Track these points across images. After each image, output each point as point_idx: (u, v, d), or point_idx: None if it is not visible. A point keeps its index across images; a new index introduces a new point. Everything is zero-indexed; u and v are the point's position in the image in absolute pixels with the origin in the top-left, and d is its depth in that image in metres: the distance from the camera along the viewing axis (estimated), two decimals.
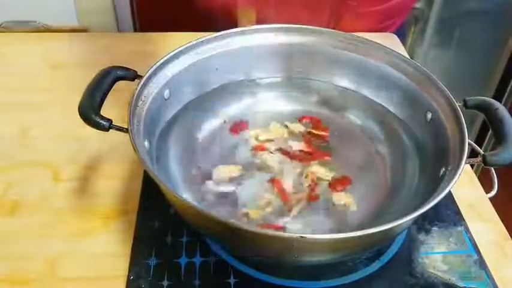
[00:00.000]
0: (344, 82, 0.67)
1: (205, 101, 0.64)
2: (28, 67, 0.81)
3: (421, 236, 0.57)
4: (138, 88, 0.54)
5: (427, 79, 0.59)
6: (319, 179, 0.59)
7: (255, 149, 0.62)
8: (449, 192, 0.47)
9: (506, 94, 1.41)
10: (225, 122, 0.65)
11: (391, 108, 0.64)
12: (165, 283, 0.51)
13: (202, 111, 0.64)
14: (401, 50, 0.88)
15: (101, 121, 0.50)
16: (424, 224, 0.58)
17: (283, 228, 0.53)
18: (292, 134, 0.65)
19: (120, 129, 0.50)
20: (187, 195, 0.55)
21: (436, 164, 0.53)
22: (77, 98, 0.51)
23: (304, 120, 0.66)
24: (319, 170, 0.59)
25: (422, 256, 0.55)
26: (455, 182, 0.47)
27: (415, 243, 0.56)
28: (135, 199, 0.59)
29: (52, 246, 0.54)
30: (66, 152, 0.65)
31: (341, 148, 0.63)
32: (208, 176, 0.58)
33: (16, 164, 0.64)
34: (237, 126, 0.64)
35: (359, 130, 0.65)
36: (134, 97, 0.53)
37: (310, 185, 0.58)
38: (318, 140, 0.64)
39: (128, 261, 0.52)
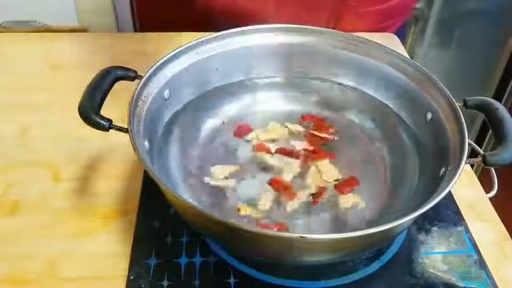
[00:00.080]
0: (344, 82, 0.67)
1: (205, 101, 0.64)
2: (28, 67, 0.81)
3: (421, 236, 0.57)
4: (138, 88, 0.54)
5: (427, 79, 0.59)
6: (324, 180, 0.59)
7: (256, 149, 0.62)
8: (449, 192, 0.47)
9: (506, 94, 1.41)
10: (223, 123, 0.64)
11: (390, 108, 0.64)
12: (165, 283, 0.51)
13: (202, 111, 0.64)
14: (401, 50, 0.88)
15: (101, 121, 0.50)
16: (424, 224, 0.58)
17: (285, 229, 0.53)
18: (293, 134, 0.64)
19: (120, 129, 0.50)
20: (187, 195, 0.55)
21: (436, 164, 0.54)
22: (77, 98, 0.51)
23: (305, 121, 0.66)
24: (325, 171, 0.59)
25: (422, 256, 0.55)
26: (455, 182, 0.47)
27: (415, 243, 0.56)
28: (135, 199, 0.59)
29: (52, 246, 0.54)
30: (66, 152, 0.65)
31: (341, 148, 0.63)
32: (209, 176, 0.58)
33: (16, 164, 0.64)
34: (239, 129, 0.64)
35: (359, 130, 0.65)
36: (134, 97, 0.53)
37: (317, 186, 0.58)
38: (320, 140, 0.64)
39: (127, 261, 0.52)
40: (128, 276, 0.51)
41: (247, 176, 0.59)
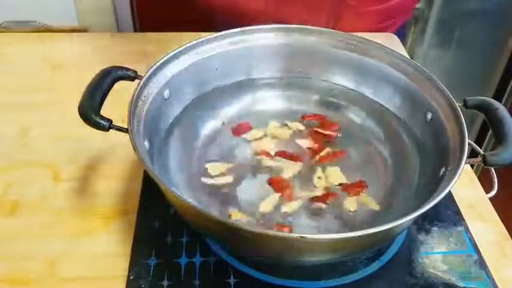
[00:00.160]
0: (344, 82, 0.67)
1: (205, 101, 0.64)
2: (28, 67, 0.81)
3: (421, 236, 0.57)
4: (138, 88, 0.54)
5: (427, 79, 0.59)
6: (330, 183, 0.59)
7: (256, 148, 0.62)
8: (449, 192, 0.47)
9: (506, 94, 1.41)
10: (223, 123, 0.64)
11: (391, 108, 0.64)
12: (165, 283, 0.51)
13: (202, 111, 0.64)
14: (402, 50, 0.88)
15: (101, 121, 0.50)
16: (424, 224, 0.58)
17: (288, 229, 0.53)
18: (294, 132, 0.64)
19: (120, 129, 0.50)
20: (187, 195, 0.55)
21: (436, 164, 0.53)
22: (77, 98, 0.51)
23: (305, 120, 0.66)
24: (331, 174, 0.59)
25: (422, 256, 0.55)
26: (455, 182, 0.47)
27: (415, 243, 0.56)
28: (135, 199, 0.59)
29: (52, 246, 0.54)
30: (66, 152, 0.65)
31: (341, 148, 0.63)
32: (209, 176, 0.58)
33: (16, 164, 0.64)
34: (239, 128, 0.64)
35: (359, 130, 0.65)
36: (134, 97, 0.53)
37: (323, 188, 0.58)
38: (323, 137, 0.64)
39: (127, 261, 0.52)
40: (128, 276, 0.51)
41: (246, 176, 0.59)
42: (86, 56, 0.83)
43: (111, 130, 0.50)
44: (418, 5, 1.34)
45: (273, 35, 0.65)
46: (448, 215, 0.60)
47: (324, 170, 0.60)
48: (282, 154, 0.61)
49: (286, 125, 0.65)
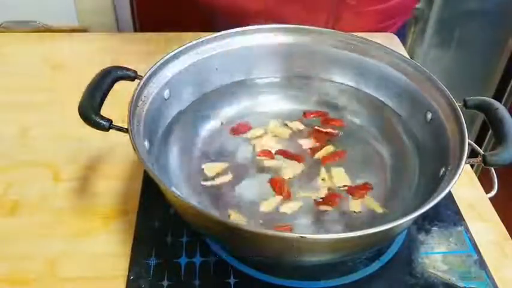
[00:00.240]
0: (344, 82, 0.67)
1: (205, 101, 0.64)
2: (28, 67, 0.81)
3: (421, 236, 0.57)
4: (138, 88, 0.54)
5: (427, 79, 0.59)
6: (334, 183, 0.58)
7: (257, 148, 0.62)
8: (449, 192, 0.47)
9: (506, 94, 1.41)
10: (222, 124, 0.64)
11: (390, 108, 0.64)
12: (165, 283, 0.51)
13: (203, 111, 0.64)
14: (402, 50, 0.88)
15: (101, 121, 0.50)
16: (424, 224, 0.58)
17: (289, 229, 0.53)
18: (294, 132, 0.64)
19: (120, 129, 0.50)
20: (187, 195, 0.55)
21: (436, 164, 0.53)
22: (77, 98, 0.51)
23: (307, 118, 0.66)
24: (336, 175, 0.59)
25: (422, 256, 0.55)
26: (455, 182, 0.47)
27: (415, 243, 0.56)
28: (135, 199, 0.59)
29: (52, 246, 0.54)
30: (66, 152, 0.65)
31: (341, 148, 0.63)
32: (209, 177, 0.58)
33: (16, 164, 0.64)
34: (239, 128, 0.64)
35: (359, 130, 0.65)
36: (134, 97, 0.53)
37: (327, 189, 0.58)
38: (325, 135, 0.64)
39: (127, 261, 0.52)
40: (128, 276, 0.51)
41: (247, 176, 0.59)
42: (86, 56, 0.83)
43: (111, 130, 0.50)
44: (418, 5, 1.34)
45: (272, 35, 0.65)
46: (448, 215, 0.60)
47: (328, 171, 0.60)
48: (283, 153, 0.61)
49: (286, 125, 0.65)
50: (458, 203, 0.61)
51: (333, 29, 0.67)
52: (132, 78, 0.56)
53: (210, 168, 0.59)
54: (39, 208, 0.58)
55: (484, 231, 0.58)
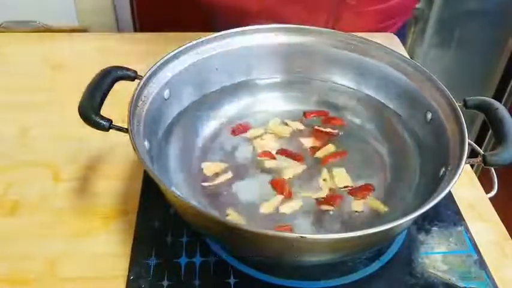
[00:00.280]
0: (344, 82, 0.67)
1: (205, 101, 0.64)
2: (28, 67, 0.81)
3: (421, 236, 0.57)
4: (138, 88, 0.54)
5: (427, 79, 0.59)
6: (336, 184, 0.58)
7: (257, 149, 0.62)
8: (449, 192, 0.47)
9: (506, 94, 1.41)
10: (223, 123, 0.64)
11: (390, 108, 0.64)
12: (165, 283, 0.51)
13: (202, 111, 0.64)
14: (402, 50, 0.88)
15: (101, 121, 0.50)
16: (424, 224, 0.58)
17: (289, 229, 0.53)
18: (294, 132, 0.64)
19: (120, 129, 0.50)
20: (187, 195, 0.55)
21: (436, 164, 0.53)
22: (77, 98, 0.51)
23: (307, 118, 0.66)
24: (338, 175, 0.59)
25: (422, 256, 0.55)
26: (455, 182, 0.47)
27: (415, 243, 0.56)
28: (135, 199, 0.59)
29: (52, 246, 0.54)
30: (66, 152, 0.65)
31: (341, 148, 0.63)
32: (209, 177, 0.58)
33: (16, 164, 0.64)
34: (239, 128, 0.64)
35: (359, 130, 0.65)
36: (134, 97, 0.53)
37: (328, 190, 0.58)
38: (325, 135, 0.64)
39: (127, 261, 0.52)
40: (128, 276, 0.51)
41: (247, 176, 0.59)
42: (86, 56, 0.83)
43: (111, 130, 0.50)
44: (418, 5, 1.34)
45: (273, 35, 0.65)
46: (448, 215, 0.60)
47: (329, 171, 0.60)
48: (283, 153, 0.61)
49: (287, 124, 0.65)
50: (458, 203, 0.61)
51: (333, 29, 0.67)
52: (132, 78, 0.56)
53: (209, 167, 0.59)
54: (39, 208, 0.58)
55: (484, 231, 0.58)
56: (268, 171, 0.59)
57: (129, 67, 0.57)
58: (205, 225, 0.48)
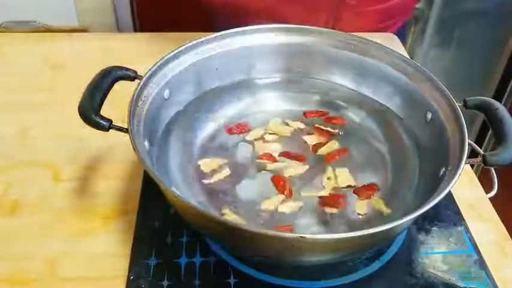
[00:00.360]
0: (344, 82, 0.67)
1: (205, 101, 0.64)
2: (28, 67, 0.81)
3: (421, 236, 0.57)
4: (138, 88, 0.54)
5: (427, 79, 0.59)
6: (339, 184, 0.58)
7: (258, 151, 0.61)
8: (449, 192, 0.47)
9: (506, 94, 1.41)
10: (223, 123, 0.64)
11: (391, 108, 0.64)
12: (165, 283, 0.51)
13: (202, 111, 0.64)
14: (401, 50, 0.88)
15: (101, 121, 0.50)
16: (424, 224, 0.58)
17: (289, 229, 0.53)
18: (294, 131, 0.64)
19: (120, 129, 0.50)
20: (187, 195, 0.55)
21: (436, 164, 0.53)
22: (77, 98, 0.51)
23: (307, 118, 0.66)
24: (340, 174, 0.59)
25: (422, 256, 0.55)
26: (455, 182, 0.47)
27: (415, 243, 0.56)
28: (135, 199, 0.59)
29: (52, 246, 0.54)
30: (66, 152, 0.65)
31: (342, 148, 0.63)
32: (208, 176, 0.58)
33: (16, 164, 0.64)
34: (238, 127, 0.64)
35: (359, 130, 0.65)
36: (134, 97, 0.53)
37: (332, 188, 0.57)
38: (326, 134, 0.64)
39: (127, 261, 0.52)
40: (128, 276, 0.51)
41: (248, 175, 0.58)
42: (86, 56, 0.83)
43: (111, 130, 0.50)
44: (418, 5, 1.34)
45: (273, 35, 0.65)
46: (448, 215, 0.60)
47: (332, 171, 0.59)
48: (285, 155, 0.61)
49: (287, 124, 0.65)
50: (458, 203, 0.61)
51: (333, 29, 0.67)
52: (132, 78, 0.56)
53: (206, 164, 0.59)
54: (39, 208, 0.58)
55: (484, 231, 0.58)
56: (269, 171, 0.59)
57: (129, 67, 0.57)
58: (205, 225, 0.48)
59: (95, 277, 0.52)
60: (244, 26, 0.64)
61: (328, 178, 0.58)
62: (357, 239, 0.44)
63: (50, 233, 0.56)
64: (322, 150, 0.62)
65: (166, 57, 0.58)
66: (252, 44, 0.65)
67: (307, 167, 0.60)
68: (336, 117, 0.66)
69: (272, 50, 0.66)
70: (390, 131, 0.63)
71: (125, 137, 0.48)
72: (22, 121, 0.70)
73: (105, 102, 0.53)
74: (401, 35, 0.97)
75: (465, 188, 0.63)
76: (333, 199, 0.56)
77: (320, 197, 0.56)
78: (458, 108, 0.55)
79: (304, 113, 0.67)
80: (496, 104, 0.55)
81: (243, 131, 0.64)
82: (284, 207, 0.55)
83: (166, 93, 0.58)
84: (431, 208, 0.45)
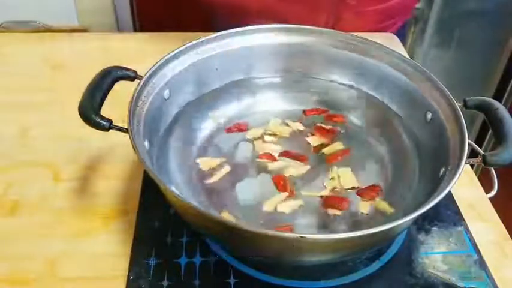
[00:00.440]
0: (344, 82, 0.67)
1: (205, 101, 0.64)
2: (28, 67, 0.81)
3: (421, 236, 0.57)
4: (138, 88, 0.54)
5: (427, 79, 0.59)
6: (341, 184, 0.58)
7: (258, 150, 0.61)
8: (449, 192, 0.47)
9: (506, 94, 1.41)
10: (223, 123, 0.64)
11: (390, 108, 0.64)
12: (165, 283, 0.51)
13: (202, 111, 0.64)
14: (401, 50, 0.88)
15: (101, 121, 0.50)
16: (424, 224, 0.58)
17: (289, 229, 0.52)
18: (294, 132, 0.64)
19: (120, 129, 0.50)
20: (187, 195, 0.55)
21: (436, 164, 0.53)
22: (77, 98, 0.51)
23: (307, 116, 0.66)
24: (343, 175, 0.59)
25: (422, 256, 0.55)
26: (455, 182, 0.47)
27: (415, 243, 0.56)
28: (135, 199, 0.59)
29: (52, 246, 0.54)
30: (66, 152, 0.65)
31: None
32: (208, 176, 0.58)
33: (16, 164, 0.64)
34: (237, 127, 0.64)
35: (359, 130, 0.65)
36: (134, 97, 0.53)
37: (332, 188, 0.57)
38: (327, 132, 0.64)
39: (127, 261, 0.52)
40: (128, 276, 0.51)
41: (248, 175, 0.58)
42: (86, 56, 0.83)
43: (111, 130, 0.50)
44: (418, 5, 1.34)
45: (273, 35, 0.65)
46: (448, 215, 0.60)
47: (336, 171, 0.59)
48: (286, 155, 0.61)
49: (287, 125, 0.65)
50: (458, 203, 0.61)
51: (333, 29, 0.67)
52: (132, 78, 0.56)
53: (205, 162, 0.59)
54: (39, 208, 0.58)
55: (484, 231, 0.58)
56: (269, 170, 0.59)
57: (129, 67, 0.57)
58: (205, 225, 0.48)
59: (95, 277, 0.52)
60: (244, 26, 0.64)
61: (331, 178, 0.58)
62: (357, 239, 0.44)
63: (50, 233, 0.56)
64: (326, 150, 0.61)
65: (166, 57, 0.58)
66: (252, 44, 0.65)
67: (308, 167, 0.60)
68: (336, 114, 0.66)
69: (272, 50, 0.66)
70: (390, 131, 0.63)
71: (125, 137, 0.48)
72: (22, 121, 0.70)
73: (105, 102, 0.53)
74: (401, 35, 0.97)
75: (465, 188, 0.63)
76: (337, 201, 0.56)
77: (322, 198, 0.56)
78: (458, 108, 0.55)
79: (304, 111, 0.66)
80: (496, 104, 0.55)
81: (242, 129, 0.64)
82: (284, 206, 0.55)
83: (166, 93, 0.58)
84: (431, 208, 0.45)
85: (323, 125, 0.64)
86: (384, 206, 0.56)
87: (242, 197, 0.56)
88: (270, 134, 0.64)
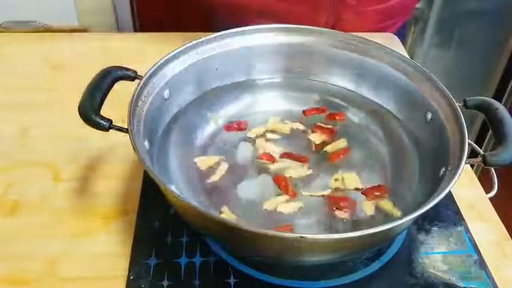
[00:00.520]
0: (344, 82, 0.67)
1: (205, 101, 0.64)
2: (28, 67, 0.81)
3: (421, 236, 0.57)
4: (138, 88, 0.54)
5: (427, 79, 0.60)
6: (345, 185, 0.58)
7: (258, 150, 0.61)
8: (449, 192, 0.47)
9: (506, 94, 1.41)
10: (223, 123, 0.64)
11: (391, 108, 0.64)
12: (165, 283, 0.51)
13: (202, 111, 0.64)
14: (401, 50, 0.88)
15: (101, 121, 0.50)
16: (424, 224, 0.58)
17: (289, 229, 0.52)
18: (293, 131, 0.64)
19: (120, 129, 0.50)
20: (187, 195, 0.55)
21: (436, 164, 0.53)
22: (77, 98, 0.51)
23: (307, 116, 0.66)
24: (346, 176, 0.58)
25: (422, 256, 0.55)
26: (455, 182, 0.47)
27: (415, 243, 0.56)
28: (135, 199, 0.59)
29: (52, 246, 0.54)
30: (66, 152, 0.65)
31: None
32: (208, 176, 0.58)
33: (16, 164, 0.64)
34: (236, 125, 0.64)
35: (358, 130, 0.65)
36: (134, 97, 0.53)
37: (335, 188, 0.57)
38: (327, 131, 0.64)
39: (127, 261, 0.52)
40: (128, 276, 0.51)
41: (248, 175, 0.58)
42: (86, 56, 0.83)
43: (111, 130, 0.50)
44: (418, 5, 1.34)
45: (273, 35, 0.65)
46: (448, 215, 0.60)
47: (337, 172, 0.59)
48: (287, 155, 0.61)
49: (287, 123, 0.65)
50: (458, 203, 0.61)
51: (333, 29, 0.67)
52: (132, 78, 0.56)
53: (202, 161, 0.59)
54: (39, 208, 0.58)
55: (484, 231, 0.58)
56: (269, 171, 0.59)
57: (129, 67, 0.57)
58: (205, 225, 0.48)
59: (95, 277, 0.52)
60: (244, 26, 0.64)
61: (335, 179, 0.58)
62: (357, 239, 0.44)
63: (50, 233, 0.56)
64: (328, 148, 0.61)
65: (166, 57, 0.58)
66: (252, 44, 0.65)
67: (310, 170, 0.59)
68: (336, 113, 0.66)
69: (272, 50, 0.66)
70: (390, 131, 0.63)
71: (125, 137, 0.48)
72: (22, 121, 0.70)
73: (105, 102, 0.53)
74: (401, 35, 0.97)
75: (465, 188, 0.63)
76: (342, 201, 0.55)
77: (326, 198, 0.56)
78: (458, 108, 0.55)
79: (304, 112, 0.66)
80: (496, 104, 0.55)
81: (242, 128, 0.63)
82: (285, 207, 0.55)
83: (166, 93, 0.58)
84: (431, 208, 0.45)
85: (322, 124, 0.64)
86: (389, 206, 0.55)
87: (242, 197, 0.56)
88: (270, 131, 0.63)
